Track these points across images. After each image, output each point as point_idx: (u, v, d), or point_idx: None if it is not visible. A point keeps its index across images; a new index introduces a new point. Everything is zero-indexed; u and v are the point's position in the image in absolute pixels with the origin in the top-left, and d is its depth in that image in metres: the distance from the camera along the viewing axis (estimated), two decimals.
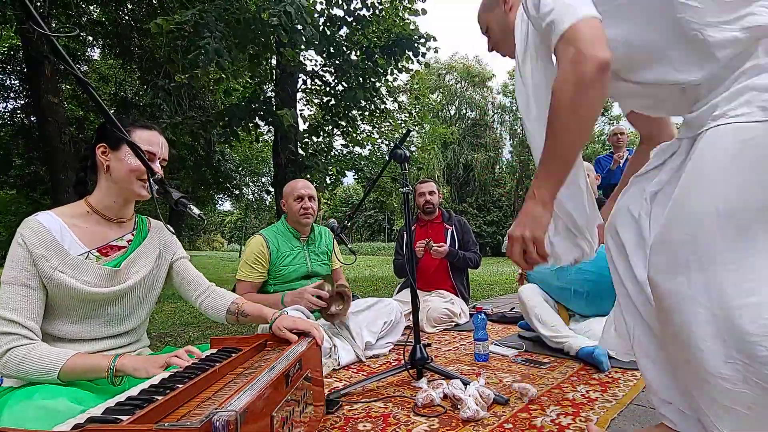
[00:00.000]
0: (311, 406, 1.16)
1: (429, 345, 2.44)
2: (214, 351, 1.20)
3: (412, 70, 7.32)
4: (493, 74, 28.90)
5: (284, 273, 2.25)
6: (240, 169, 11.97)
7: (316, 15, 4.74)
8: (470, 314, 3.10)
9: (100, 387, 1.10)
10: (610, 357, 1.83)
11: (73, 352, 1.07)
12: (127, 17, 6.87)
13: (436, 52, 6.70)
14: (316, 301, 1.96)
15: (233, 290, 3.59)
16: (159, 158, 1.26)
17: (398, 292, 3.24)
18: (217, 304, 1.41)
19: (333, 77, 6.90)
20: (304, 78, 7.14)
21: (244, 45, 4.40)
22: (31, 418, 0.86)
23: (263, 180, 14.46)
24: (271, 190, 8.06)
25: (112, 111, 1.08)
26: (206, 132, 6.27)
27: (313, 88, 7.45)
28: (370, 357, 2.18)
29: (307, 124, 6.96)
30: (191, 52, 4.08)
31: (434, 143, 12.23)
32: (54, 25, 6.48)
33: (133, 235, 1.30)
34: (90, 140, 1.25)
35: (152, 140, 1.24)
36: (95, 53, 9.88)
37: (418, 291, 1.87)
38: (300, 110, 7.28)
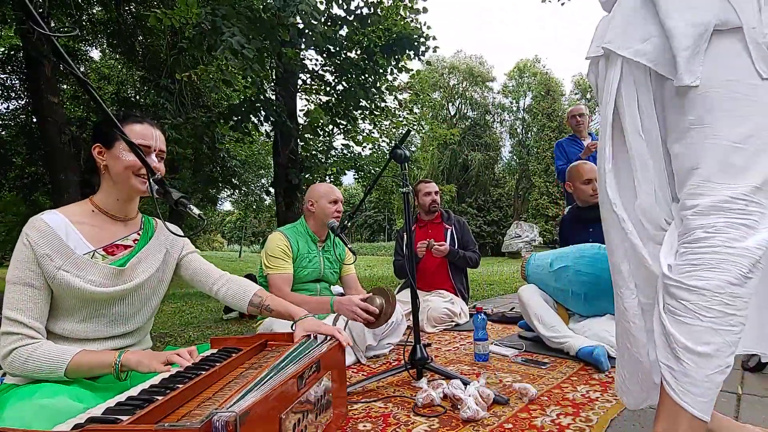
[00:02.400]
0: (332, 409, 1.14)
1: (429, 345, 2.44)
2: (214, 351, 1.20)
3: (412, 69, 7.32)
4: (494, 77, 28.94)
5: (299, 274, 2.22)
6: (244, 165, 11.97)
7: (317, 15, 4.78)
8: (470, 314, 3.10)
9: (101, 386, 1.10)
10: (609, 357, 1.83)
11: (78, 349, 1.07)
12: (129, 16, 6.86)
13: (435, 51, 6.70)
14: (365, 316, 1.87)
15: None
16: (155, 150, 1.23)
17: (398, 293, 3.24)
18: (237, 292, 1.39)
19: (333, 76, 6.89)
20: (304, 78, 7.14)
21: (257, 39, 4.44)
22: (32, 416, 0.86)
23: (263, 180, 14.47)
24: (271, 190, 8.05)
25: (112, 110, 1.07)
26: (210, 130, 6.26)
27: (313, 87, 7.45)
28: (371, 357, 2.18)
29: (306, 121, 6.94)
30: (213, 48, 4.16)
31: (433, 144, 12.24)
32: (54, 25, 6.48)
33: (139, 234, 1.29)
34: (90, 141, 1.24)
35: (145, 133, 1.22)
36: (95, 53, 9.89)
37: (418, 291, 1.87)
38: (300, 109, 7.28)
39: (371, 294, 1.97)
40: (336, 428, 1.19)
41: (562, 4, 6.69)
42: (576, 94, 28.13)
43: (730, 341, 0.82)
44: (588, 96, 25.77)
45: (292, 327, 1.32)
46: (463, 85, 28.02)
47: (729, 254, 0.83)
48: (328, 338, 1.28)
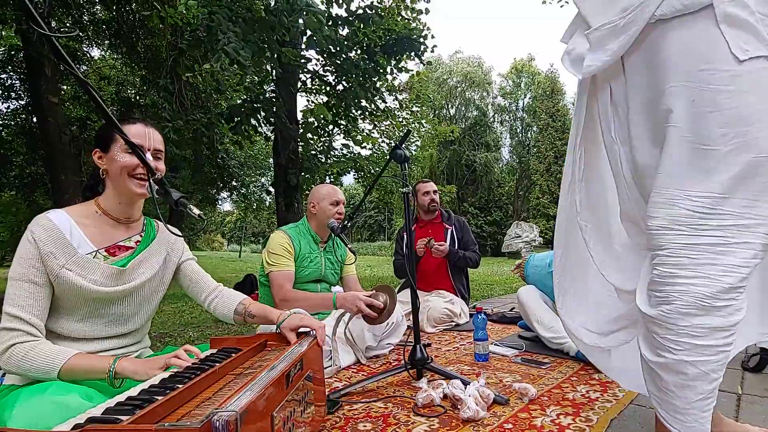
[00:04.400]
0: (312, 406, 1.16)
1: (429, 345, 2.44)
2: (214, 351, 1.20)
3: (411, 70, 7.32)
4: (492, 80, 28.94)
5: (300, 274, 2.22)
6: (243, 167, 11.98)
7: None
8: (470, 314, 3.10)
9: (104, 386, 1.10)
10: None
11: (74, 352, 1.06)
12: (131, 16, 6.86)
13: (432, 51, 6.71)
14: (368, 311, 1.90)
15: (241, 285, 3.51)
16: (149, 150, 1.23)
17: (398, 293, 3.24)
18: (225, 305, 1.41)
19: (333, 77, 6.90)
20: (305, 78, 7.14)
21: (252, 41, 4.43)
22: (46, 412, 0.85)
23: (263, 180, 14.49)
24: (271, 190, 8.05)
25: (112, 111, 1.07)
26: (209, 131, 6.26)
27: (313, 87, 7.45)
28: (371, 357, 2.18)
29: (308, 119, 6.93)
30: (209, 54, 4.17)
31: (434, 142, 12.27)
32: (54, 25, 6.48)
33: (141, 236, 1.30)
34: (91, 141, 1.25)
35: (138, 133, 1.21)
36: (95, 53, 9.89)
37: (418, 291, 1.87)
38: (300, 109, 7.28)
39: (375, 291, 1.97)
40: (317, 423, 1.21)
41: (561, 6, 6.72)
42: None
43: (709, 369, 0.76)
44: None
45: (277, 329, 1.33)
46: (463, 86, 28.01)
47: (689, 284, 0.75)
48: (312, 333, 1.30)
